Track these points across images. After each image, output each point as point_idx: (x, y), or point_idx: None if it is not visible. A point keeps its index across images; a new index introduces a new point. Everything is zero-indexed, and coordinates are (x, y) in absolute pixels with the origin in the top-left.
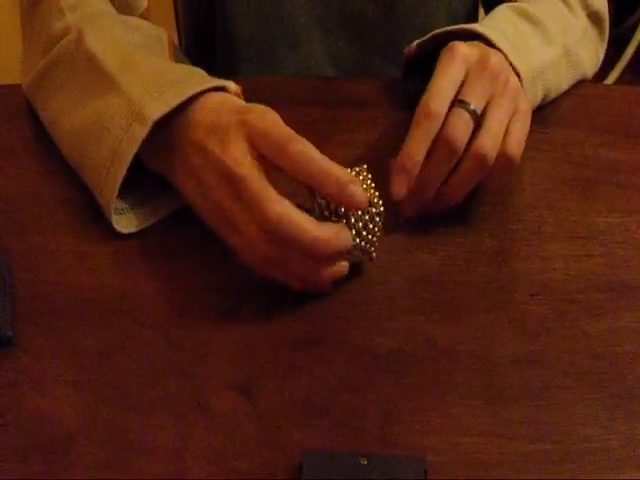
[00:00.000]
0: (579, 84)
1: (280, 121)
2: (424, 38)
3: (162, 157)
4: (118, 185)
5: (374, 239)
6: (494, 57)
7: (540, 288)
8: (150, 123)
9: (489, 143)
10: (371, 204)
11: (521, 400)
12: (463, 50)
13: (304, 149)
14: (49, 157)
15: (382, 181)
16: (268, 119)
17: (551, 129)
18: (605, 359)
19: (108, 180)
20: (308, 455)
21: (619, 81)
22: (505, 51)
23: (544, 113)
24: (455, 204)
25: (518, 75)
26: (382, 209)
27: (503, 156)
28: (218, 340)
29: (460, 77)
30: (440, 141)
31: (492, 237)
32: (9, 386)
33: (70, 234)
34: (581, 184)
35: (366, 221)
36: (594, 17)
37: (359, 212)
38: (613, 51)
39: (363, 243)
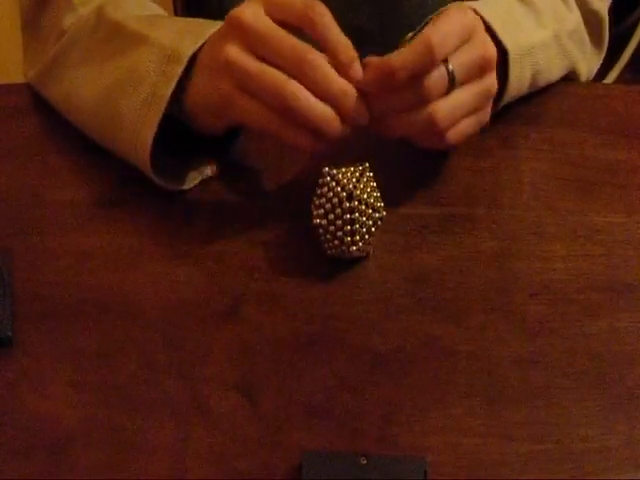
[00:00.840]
0: (579, 84)
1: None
2: (419, 28)
3: (188, 86)
4: (157, 124)
5: (372, 239)
6: (494, 50)
7: (540, 288)
8: (185, 59)
9: (446, 115)
10: (374, 209)
11: (521, 400)
12: (474, 17)
13: (319, 17)
14: (49, 157)
15: (382, 181)
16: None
17: (551, 129)
18: (605, 359)
19: (147, 120)
20: (308, 455)
21: (619, 80)
22: (494, 26)
23: (544, 113)
24: (385, 134)
25: (505, 51)
26: (384, 213)
27: (440, 135)
28: (218, 340)
29: (462, 38)
30: (414, 80)
31: (492, 237)
32: (9, 386)
33: (70, 234)
34: (581, 184)
35: (369, 226)
36: (591, 16)
37: (363, 218)
38: (613, 50)
39: (362, 244)
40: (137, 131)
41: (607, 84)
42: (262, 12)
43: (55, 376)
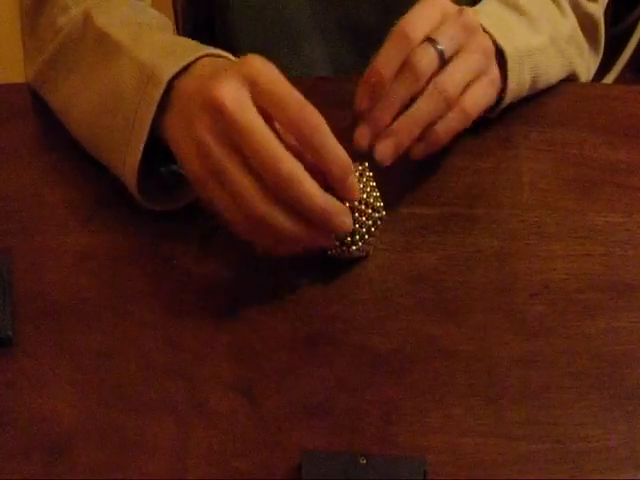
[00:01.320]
0: (579, 84)
1: (282, 76)
2: None
3: (166, 117)
4: (141, 148)
5: (372, 239)
6: (471, 12)
7: (540, 288)
8: (164, 83)
9: (449, 82)
10: (374, 209)
11: (521, 400)
12: (442, 0)
13: (318, 120)
14: (50, 157)
15: (382, 181)
16: (271, 72)
17: (551, 129)
18: (605, 359)
19: (131, 145)
20: (308, 455)
21: (619, 80)
22: (489, 30)
23: (544, 113)
24: (407, 140)
25: (502, 54)
26: (384, 213)
27: (458, 106)
28: (218, 340)
29: (436, 18)
30: (404, 66)
31: (492, 237)
32: (9, 386)
33: (70, 234)
34: (581, 184)
35: (369, 226)
36: (586, 19)
37: (363, 218)
38: (613, 50)
39: (362, 244)
40: (123, 154)
41: (607, 84)
42: (247, 98)
43: (55, 376)
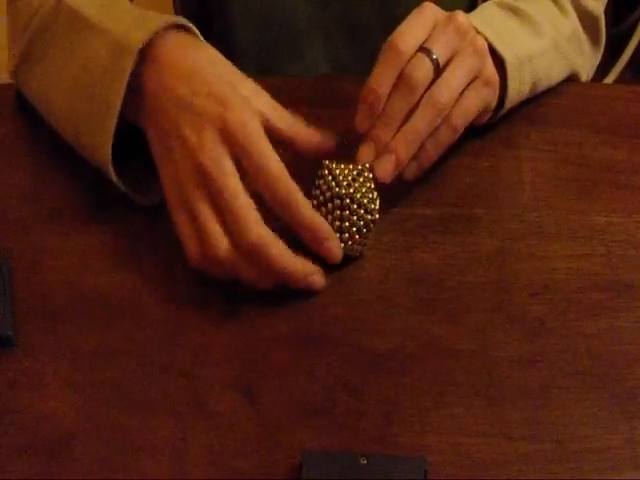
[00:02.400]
0: (579, 84)
1: (261, 132)
2: None
3: (137, 99)
4: (117, 114)
5: (363, 240)
6: (461, 16)
7: (540, 288)
8: (135, 50)
9: (445, 92)
10: (367, 210)
11: (521, 400)
12: (432, 7)
13: (291, 190)
14: (49, 156)
15: (383, 183)
16: (250, 129)
17: (551, 129)
18: (605, 359)
19: (107, 115)
20: (308, 455)
21: (619, 80)
22: (489, 37)
23: (544, 113)
24: (405, 158)
25: (502, 61)
26: (377, 217)
27: (447, 123)
28: (218, 340)
29: (427, 28)
30: (400, 79)
31: (492, 237)
32: (9, 386)
33: (70, 233)
34: (581, 184)
35: (360, 227)
36: (586, 16)
37: (354, 217)
38: (613, 50)
39: (351, 243)
40: (99, 127)
41: (607, 84)
42: (227, 159)
43: (55, 376)
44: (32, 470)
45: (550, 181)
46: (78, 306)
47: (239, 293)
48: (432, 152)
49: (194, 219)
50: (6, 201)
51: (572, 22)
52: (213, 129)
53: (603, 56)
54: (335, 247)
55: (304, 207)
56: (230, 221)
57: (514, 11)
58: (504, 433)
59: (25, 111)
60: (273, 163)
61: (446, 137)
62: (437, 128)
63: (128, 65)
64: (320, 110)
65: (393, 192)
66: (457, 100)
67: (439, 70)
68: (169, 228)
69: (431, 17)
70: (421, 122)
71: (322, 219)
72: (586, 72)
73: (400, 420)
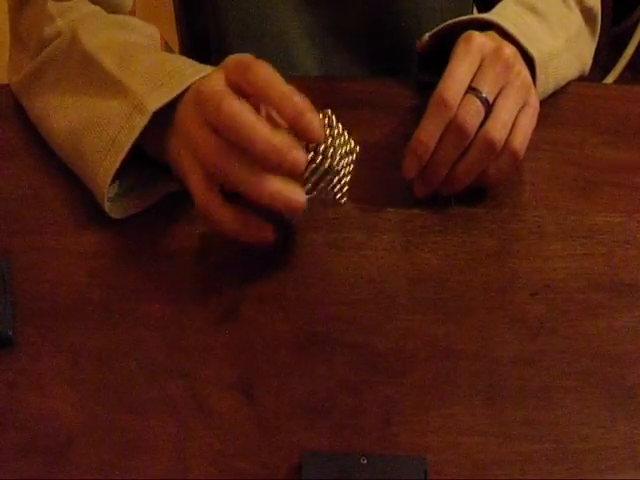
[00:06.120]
0: (579, 84)
1: (253, 58)
2: (436, 29)
3: (158, 140)
4: (114, 171)
5: (344, 180)
6: (508, 49)
7: (540, 288)
8: (149, 113)
9: (498, 129)
10: (345, 153)
11: (521, 400)
12: (479, 40)
13: (267, 72)
14: (49, 157)
15: (383, 181)
16: (244, 57)
17: (551, 129)
18: (605, 359)
19: (104, 165)
20: (308, 455)
21: (619, 80)
22: (518, 37)
23: (544, 113)
24: (461, 189)
25: (532, 60)
26: (357, 149)
27: (507, 149)
28: (218, 340)
29: (475, 66)
30: (451, 125)
31: (492, 237)
32: (9, 386)
33: (70, 234)
34: (581, 184)
35: (340, 155)
36: (587, 13)
37: (326, 164)
38: (613, 51)
39: (330, 188)
40: (95, 172)
41: (607, 84)
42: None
43: (55, 376)
44: (32, 470)
45: (550, 181)
46: (78, 306)
47: (239, 293)
48: (494, 178)
49: (194, 152)
50: (6, 201)
51: (577, 17)
52: (216, 70)
53: (603, 56)
54: (315, 122)
55: (289, 90)
56: (209, 105)
57: (533, 10)
58: (504, 433)
59: (25, 112)
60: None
61: (508, 164)
62: (498, 157)
63: (141, 124)
64: (319, 110)
65: (393, 192)
66: (514, 126)
67: (489, 107)
68: (169, 228)
69: (478, 52)
70: (475, 160)
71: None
72: (589, 67)
73: (400, 420)
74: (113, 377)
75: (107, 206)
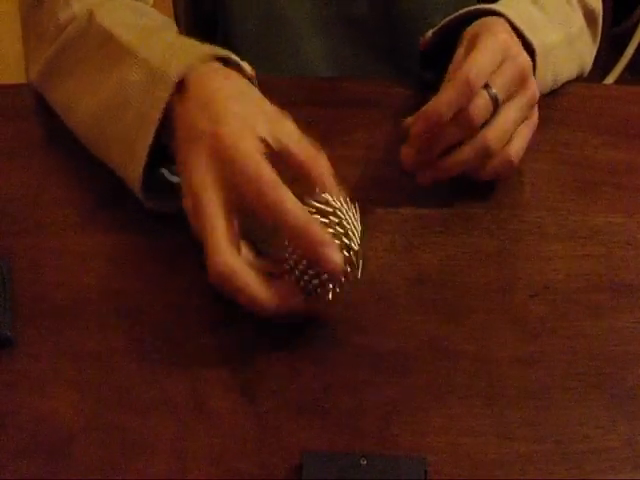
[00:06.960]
0: (579, 84)
1: (252, 150)
2: (440, 25)
3: (170, 125)
4: (148, 148)
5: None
6: (527, 62)
7: (540, 288)
8: (172, 83)
9: (498, 137)
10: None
11: (521, 400)
12: (505, 36)
13: (283, 198)
14: (49, 157)
15: (383, 181)
16: (242, 149)
17: (551, 129)
18: (605, 359)
19: (137, 145)
20: (308, 455)
21: (619, 81)
22: (521, 27)
23: (544, 113)
24: (445, 178)
25: (533, 51)
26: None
27: (503, 156)
28: (218, 340)
29: (496, 64)
30: (462, 115)
31: (492, 237)
32: (9, 387)
33: (70, 234)
34: (581, 184)
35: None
36: (589, 15)
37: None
38: (613, 51)
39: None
40: (130, 152)
41: (607, 84)
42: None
43: (55, 376)
44: (32, 470)
45: (550, 181)
46: (78, 306)
47: None
48: (485, 177)
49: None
50: (7, 201)
51: (579, 17)
52: (204, 146)
53: (603, 56)
54: (334, 254)
55: (295, 209)
56: (205, 247)
57: (535, 3)
58: (504, 433)
59: (27, 112)
60: (265, 173)
61: (502, 168)
62: (492, 161)
63: (165, 94)
64: (320, 110)
65: (394, 192)
66: (513, 136)
67: (496, 106)
68: (169, 228)
69: (501, 50)
70: (468, 155)
71: (317, 225)
72: (589, 67)
73: (400, 420)
74: (113, 377)
75: (144, 192)
